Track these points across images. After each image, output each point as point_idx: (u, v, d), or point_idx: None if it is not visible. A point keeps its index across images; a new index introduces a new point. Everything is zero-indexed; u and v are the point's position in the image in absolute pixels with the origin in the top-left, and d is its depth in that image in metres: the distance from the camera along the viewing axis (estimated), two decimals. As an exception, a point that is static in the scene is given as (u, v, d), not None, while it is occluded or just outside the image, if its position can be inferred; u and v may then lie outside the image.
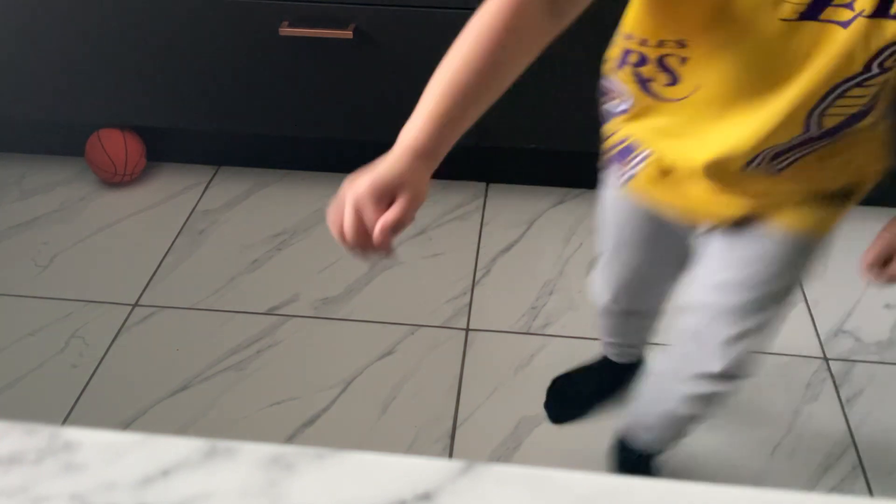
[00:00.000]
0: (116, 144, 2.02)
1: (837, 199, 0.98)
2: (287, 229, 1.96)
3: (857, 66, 0.74)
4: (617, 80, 0.93)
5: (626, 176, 1.01)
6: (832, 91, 0.77)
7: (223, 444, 0.58)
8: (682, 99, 0.86)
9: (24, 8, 1.84)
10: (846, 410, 1.56)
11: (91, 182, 2.10)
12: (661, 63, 0.85)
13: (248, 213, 2.02)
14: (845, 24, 0.71)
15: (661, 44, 0.83)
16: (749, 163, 0.87)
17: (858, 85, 0.76)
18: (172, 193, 2.08)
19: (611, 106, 1.00)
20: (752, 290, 1.01)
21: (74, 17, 1.85)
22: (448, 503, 0.54)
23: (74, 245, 1.93)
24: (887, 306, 1.77)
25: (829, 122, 0.82)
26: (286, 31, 1.71)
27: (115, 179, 2.06)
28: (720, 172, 0.89)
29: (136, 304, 1.77)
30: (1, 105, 2.01)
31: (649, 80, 0.88)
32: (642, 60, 0.86)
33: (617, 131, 1.00)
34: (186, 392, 1.59)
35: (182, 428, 1.52)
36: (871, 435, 1.51)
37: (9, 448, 0.57)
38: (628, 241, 1.15)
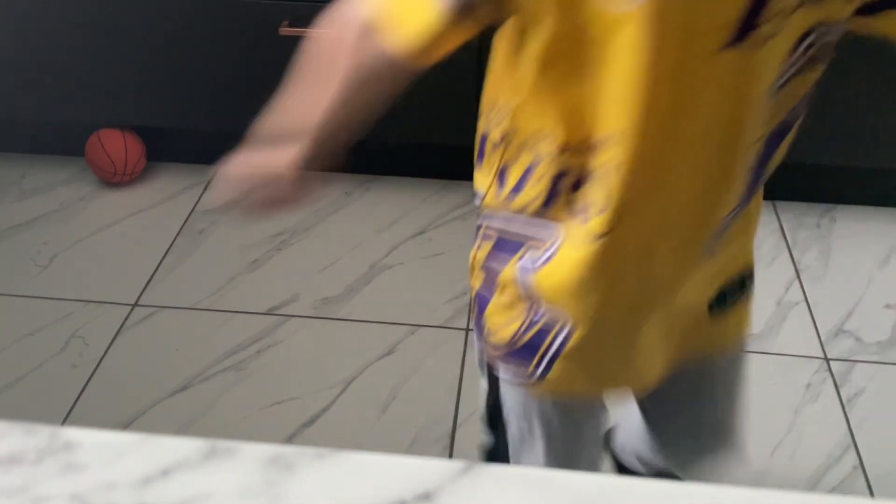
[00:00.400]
0: (116, 144, 2.02)
1: (739, 290, 0.84)
2: (287, 229, 1.96)
3: (782, 60, 0.64)
4: (541, 220, 0.73)
5: (537, 373, 0.79)
6: (777, 81, 0.65)
7: (223, 444, 0.58)
8: (614, 227, 0.68)
9: (23, 8, 1.84)
10: (847, 410, 1.56)
11: (91, 182, 2.10)
12: (590, 179, 0.68)
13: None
14: (768, 39, 0.62)
15: (589, 147, 0.66)
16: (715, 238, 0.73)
17: (796, 68, 0.65)
18: (172, 193, 2.08)
19: (528, 261, 0.75)
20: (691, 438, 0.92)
21: (74, 16, 1.84)
22: (448, 503, 0.54)
23: (74, 245, 1.93)
24: (888, 306, 1.77)
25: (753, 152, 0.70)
26: (286, 31, 1.70)
27: (114, 179, 2.06)
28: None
29: (135, 304, 1.77)
30: (1, 105, 2.01)
31: (584, 210, 0.69)
32: (572, 177, 0.69)
33: (520, 309, 0.77)
34: (186, 392, 1.59)
35: (182, 428, 1.52)
36: (871, 435, 1.51)
37: (8, 448, 0.57)
38: (538, 440, 0.89)
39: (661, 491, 0.56)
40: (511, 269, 0.76)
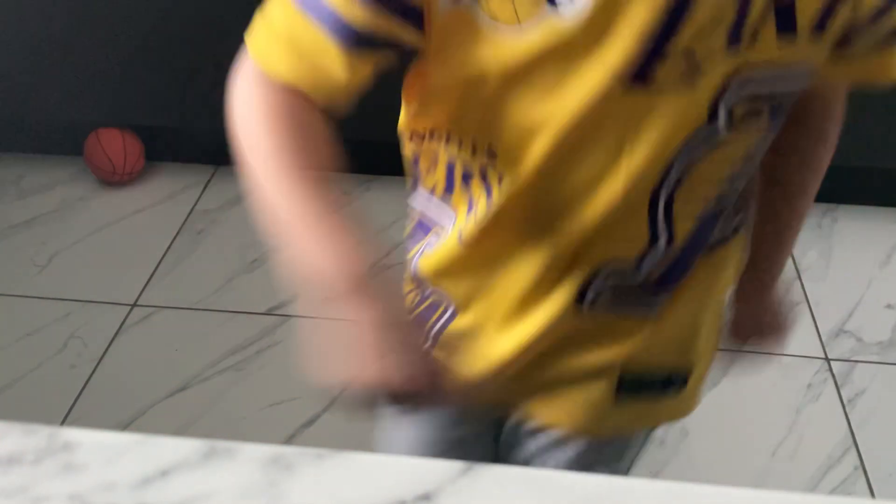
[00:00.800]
0: (115, 144, 2.02)
1: (660, 387, 0.79)
2: (286, 229, 1.96)
3: (703, 110, 0.59)
4: (445, 205, 0.72)
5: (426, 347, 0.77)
6: (677, 159, 0.61)
7: (222, 444, 0.57)
8: (482, 235, 0.68)
9: (23, 8, 1.84)
10: (847, 411, 1.55)
11: (90, 182, 2.09)
12: (484, 176, 0.66)
13: (248, 212, 2.02)
14: (684, 79, 0.58)
15: (488, 153, 0.65)
16: (582, 297, 0.69)
17: (708, 143, 0.61)
18: (171, 193, 2.07)
19: (426, 247, 0.76)
20: None
21: (73, 16, 1.84)
22: (448, 503, 0.54)
23: (73, 245, 1.92)
24: (888, 306, 1.77)
25: (683, 226, 0.66)
26: (286, 30, 1.70)
27: (113, 179, 2.06)
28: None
29: (134, 305, 1.77)
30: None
31: (474, 204, 0.69)
32: (466, 175, 0.68)
33: (421, 282, 0.77)
34: (185, 392, 1.59)
35: (181, 428, 1.51)
36: (872, 435, 1.51)
37: (8, 448, 0.57)
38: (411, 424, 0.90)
39: (661, 491, 0.56)
40: (412, 254, 0.78)
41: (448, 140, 0.67)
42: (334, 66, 0.59)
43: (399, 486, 0.55)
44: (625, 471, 0.87)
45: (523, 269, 0.69)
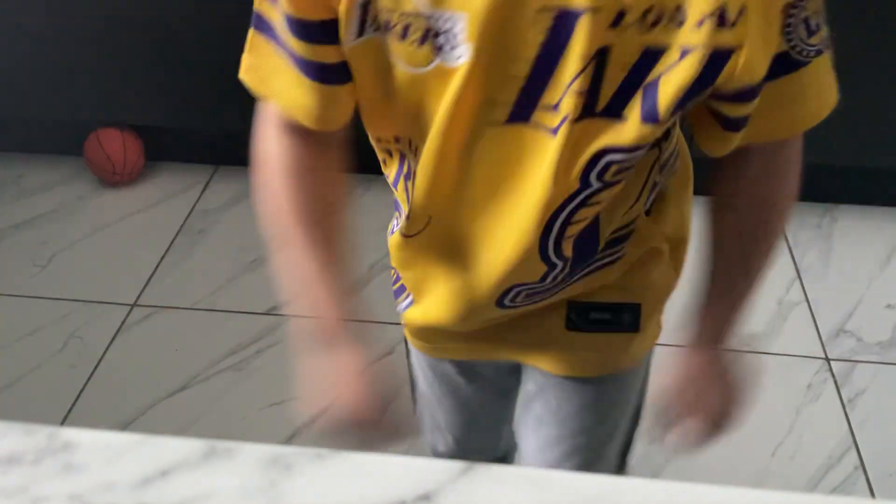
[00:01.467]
0: (115, 144, 2.02)
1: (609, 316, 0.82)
2: (286, 229, 1.96)
3: (574, 181, 0.64)
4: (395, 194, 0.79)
5: (402, 320, 0.89)
6: (557, 213, 0.66)
7: (222, 444, 0.57)
8: (415, 235, 0.75)
9: (22, 7, 1.84)
10: (847, 411, 1.55)
11: (89, 182, 2.09)
12: (409, 176, 0.72)
13: (248, 212, 2.02)
14: (554, 131, 0.61)
15: (410, 145, 0.70)
16: (500, 301, 0.75)
17: (583, 205, 0.66)
18: (171, 193, 2.07)
19: (395, 225, 0.83)
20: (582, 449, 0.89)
21: (73, 16, 1.84)
22: (448, 503, 0.54)
23: (73, 245, 1.92)
24: (889, 306, 1.77)
25: (568, 251, 0.71)
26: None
27: (113, 179, 2.06)
28: (470, 319, 0.79)
29: (134, 304, 1.77)
30: None
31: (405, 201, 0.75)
32: (409, 171, 0.73)
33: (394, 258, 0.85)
34: (186, 392, 1.59)
35: (181, 428, 1.51)
36: (872, 435, 1.51)
37: (8, 448, 0.57)
38: (441, 401, 0.99)
39: (661, 491, 0.56)
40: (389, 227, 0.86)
41: (391, 139, 0.71)
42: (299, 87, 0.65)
43: (399, 486, 0.55)
44: (614, 424, 0.90)
45: (444, 279, 0.77)
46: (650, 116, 0.59)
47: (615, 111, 0.60)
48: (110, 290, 1.80)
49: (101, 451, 0.57)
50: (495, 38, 0.57)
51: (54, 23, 1.85)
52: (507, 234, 0.68)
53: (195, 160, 2.16)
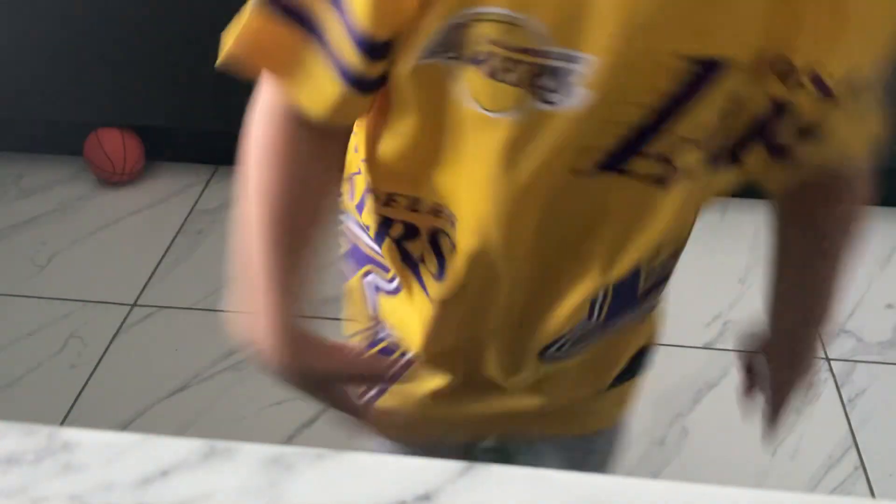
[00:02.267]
0: (115, 143, 2.02)
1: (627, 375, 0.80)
2: (286, 229, 1.96)
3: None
4: (377, 251, 0.71)
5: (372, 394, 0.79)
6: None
7: (222, 444, 0.57)
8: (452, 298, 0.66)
9: (22, 7, 1.84)
10: (848, 411, 1.55)
11: (89, 181, 2.09)
12: (434, 241, 0.65)
13: (248, 212, 2.02)
14: (659, 180, 0.57)
15: (436, 212, 0.63)
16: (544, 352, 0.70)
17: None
18: (171, 193, 2.07)
19: (376, 280, 0.75)
20: None
21: (73, 15, 1.84)
22: (448, 503, 0.54)
23: (73, 245, 1.92)
24: (889, 306, 1.77)
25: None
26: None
27: (113, 179, 2.06)
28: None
29: (134, 304, 1.77)
30: None
31: (420, 262, 0.68)
32: (412, 231, 0.66)
33: (365, 323, 0.78)
34: (186, 392, 1.58)
35: (181, 428, 1.51)
36: (872, 435, 1.51)
37: (7, 449, 0.57)
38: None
39: (661, 491, 0.56)
40: (357, 281, 0.78)
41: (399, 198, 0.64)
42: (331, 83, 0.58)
43: (399, 486, 0.55)
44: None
45: (479, 351, 0.71)
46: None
47: (731, 160, 0.59)
48: (110, 289, 1.80)
49: (101, 451, 0.57)
50: (619, 84, 0.51)
51: (54, 23, 1.85)
52: (568, 285, 0.64)
53: (195, 160, 2.16)
